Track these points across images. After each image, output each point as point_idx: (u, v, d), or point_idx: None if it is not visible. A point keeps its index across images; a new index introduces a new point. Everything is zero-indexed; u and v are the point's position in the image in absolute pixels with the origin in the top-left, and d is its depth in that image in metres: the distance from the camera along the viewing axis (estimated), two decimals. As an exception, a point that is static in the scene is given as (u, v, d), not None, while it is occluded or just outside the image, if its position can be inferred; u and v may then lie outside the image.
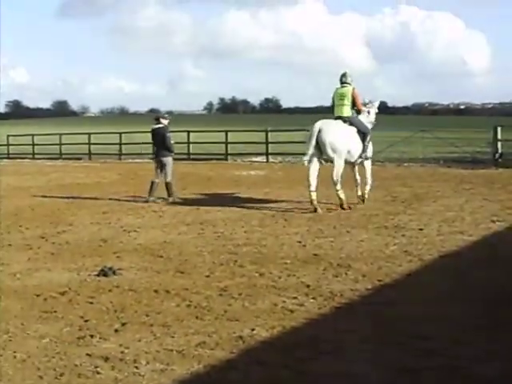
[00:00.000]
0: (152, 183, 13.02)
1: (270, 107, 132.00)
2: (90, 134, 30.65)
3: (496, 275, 6.53)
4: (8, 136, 33.48)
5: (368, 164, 12.04)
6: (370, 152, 11.93)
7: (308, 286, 6.19)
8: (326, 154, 11.00)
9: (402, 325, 5.00)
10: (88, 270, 7.01)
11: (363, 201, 11.76)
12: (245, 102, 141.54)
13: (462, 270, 6.75)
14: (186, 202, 12.64)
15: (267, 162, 24.17)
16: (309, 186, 10.90)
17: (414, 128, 26.00)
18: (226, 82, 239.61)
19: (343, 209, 11.09)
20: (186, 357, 4.43)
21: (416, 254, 7.55)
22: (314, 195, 10.90)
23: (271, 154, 24.74)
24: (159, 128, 13.30)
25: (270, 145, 24.84)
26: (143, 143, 24.94)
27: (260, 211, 11.25)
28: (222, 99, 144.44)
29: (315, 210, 10.83)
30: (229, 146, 25.89)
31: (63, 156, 30.59)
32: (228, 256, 7.63)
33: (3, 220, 10.58)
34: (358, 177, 11.98)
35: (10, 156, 32.45)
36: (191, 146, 26.58)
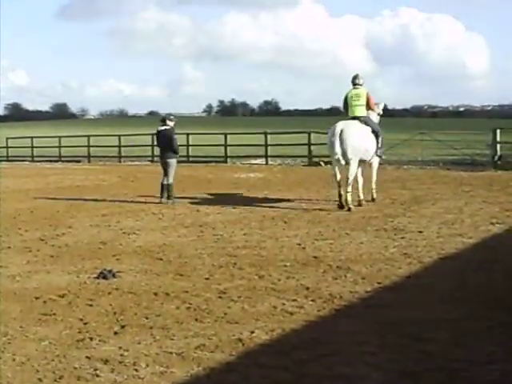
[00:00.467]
0: (162, 185, 13.09)
1: (270, 110, 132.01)
2: (89, 136, 30.68)
3: (495, 277, 6.53)
4: (7, 138, 33.48)
5: (376, 162, 12.39)
6: (381, 151, 12.41)
7: (307, 289, 6.19)
8: (346, 154, 11.26)
9: (401, 327, 5.00)
10: (87, 273, 7.00)
11: (360, 205, 11.84)
12: (244, 105, 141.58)
13: (462, 273, 6.75)
14: (185, 205, 12.64)
15: (266, 164, 24.19)
16: (338, 185, 11.31)
17: (414, 130, 26.05)
18: (225, 85, 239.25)
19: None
20: (186, 359, 4.42)
21: (415, 256, 7.55)
22: (343, 192, 11.25)
23: (270, 156, 24.77)
24: (165, 130, 13.30)
25: (269, 147, 24.87)
26: (144, 145, 24.96)
27: (259, 214, 11.25)
28: (221, 101, 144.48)
29: (342, 207, 11.25)
30: (228, 148, 25.91)
31: (62, 158, 30.61)
32: (227, 258, 7.63)
33: (2, 222, 10.57)
34: (361, 179, 12.16)
35: (10, 158, 32.47)
36: (190, 148, 26.60)
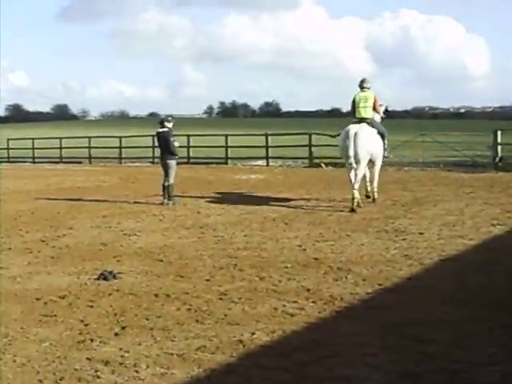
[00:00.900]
0: (163, 187, 13.12)
1: (270, 111, 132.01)
2: (90, 137, 30.68)
3: (496, 279, 6.52)
4: (8, 140, 33.49)
5: (379, 163, 12.61)
6: (387, 152, 12.82)
7: (308, 290, 6.19)
8: (358, 156, 11.56)
9: (402, 328, 5.00)
10: (88, 274, 7.01)
11: (368, 196, 12.47)
12: (245, 106, 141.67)
13: (463, 274, 6.75)
14: (186, 206, 12.65)
15: (267, 165, 24.18)
16: (353, 186, 11.45)
17: (414, 132, 26.00)
18: (226, 86, 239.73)
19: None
20: (187, 361, 4.42)
21: (416, 257, 7.54)
22: (356, 193, 11.47)
23: (271, 157, 24.76)
24: (163, 132, 13.34)
25: (270, 149, 24.86)
26: (144, 147, 24.96)
27: (260, 215, 11.25)
28: (222, 103, 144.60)
29: (354, 208, 11.36)
30: (229, 149, 25.90)
31: (63, 160, 30.59)
32: (228, 260, 7.63)
33: (3, 224, 10.58)
34: (368, 173, 12.53)
35: (10, 160, 32.49)
36: (191, 150, 26.59)
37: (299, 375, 4.15)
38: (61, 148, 31.40)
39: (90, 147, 30.25)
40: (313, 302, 5.81)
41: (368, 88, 12.27)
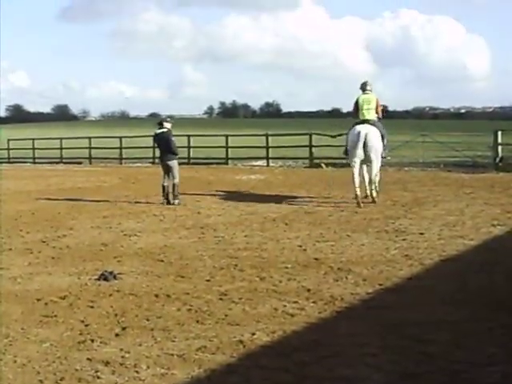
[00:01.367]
0: (163, 187, 13.15)
1: (271, 111, 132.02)
2: (90, 138, 30.69)
3: (496, 279, 6.52)
4: (8, 140, 33.50)
5: (379, 161, 12.75)
6: (384, 153, 13.16)
7: (309, 290, 6.19)
8: (369, 155, 12.15)
9: (402, 329, 5.00)
10: (88, 275, 7.01)
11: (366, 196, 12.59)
12: (245, 106, 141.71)
13: (463, 274, 6.75)
14: (186, 207, 12.65)
15: (268, 166, 24.18)
16: (355, 186, 11.96)
17: (415, 132, 26.00)
18: (226, 86, 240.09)
19: (374, 202, 12.16)
20: (187, 361, 4.43)
21: (417, 258, 7.54)
22: (358, 191, 11.96)
23: (272, 158, 24.76)
24: (163, 132, 13.35)
25: (270, 149, 24.86)
26: (145, 147, 24.96)
27: (260, 215, 11.25)
28: (222, 103, 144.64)
29: (359, 205, 11.80)
30: (229, 150, 25.90)
31: (64, 160, 30.61)
32: (228, 260, 7.63)
33: (4, 224, 10.58)
34: (367, 175, 12.75)
35: (11, 160, 32.51)
36: (191, 150, 26.60)
37: (299, 375, 4.15)
38: (61, 148, 31.43)
39: (90, 148, 30.27)
40: (313, 302, 5.81)
41: (370, 90, 12.72)
